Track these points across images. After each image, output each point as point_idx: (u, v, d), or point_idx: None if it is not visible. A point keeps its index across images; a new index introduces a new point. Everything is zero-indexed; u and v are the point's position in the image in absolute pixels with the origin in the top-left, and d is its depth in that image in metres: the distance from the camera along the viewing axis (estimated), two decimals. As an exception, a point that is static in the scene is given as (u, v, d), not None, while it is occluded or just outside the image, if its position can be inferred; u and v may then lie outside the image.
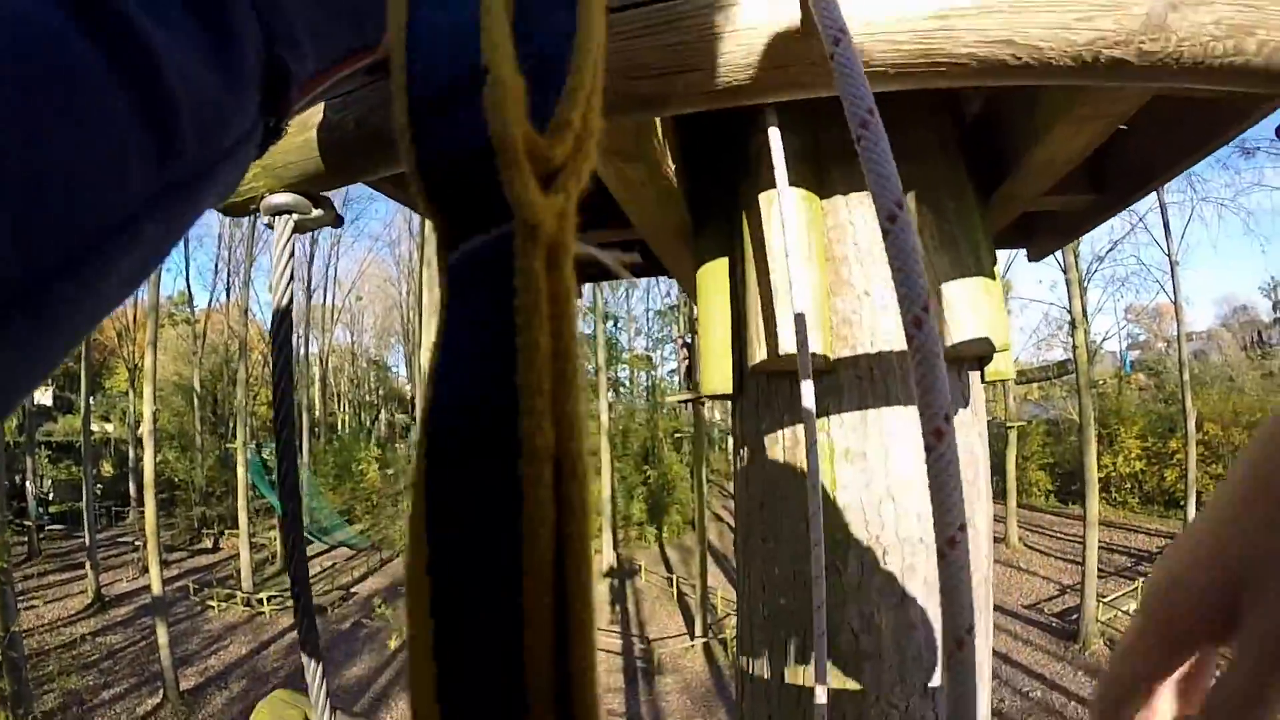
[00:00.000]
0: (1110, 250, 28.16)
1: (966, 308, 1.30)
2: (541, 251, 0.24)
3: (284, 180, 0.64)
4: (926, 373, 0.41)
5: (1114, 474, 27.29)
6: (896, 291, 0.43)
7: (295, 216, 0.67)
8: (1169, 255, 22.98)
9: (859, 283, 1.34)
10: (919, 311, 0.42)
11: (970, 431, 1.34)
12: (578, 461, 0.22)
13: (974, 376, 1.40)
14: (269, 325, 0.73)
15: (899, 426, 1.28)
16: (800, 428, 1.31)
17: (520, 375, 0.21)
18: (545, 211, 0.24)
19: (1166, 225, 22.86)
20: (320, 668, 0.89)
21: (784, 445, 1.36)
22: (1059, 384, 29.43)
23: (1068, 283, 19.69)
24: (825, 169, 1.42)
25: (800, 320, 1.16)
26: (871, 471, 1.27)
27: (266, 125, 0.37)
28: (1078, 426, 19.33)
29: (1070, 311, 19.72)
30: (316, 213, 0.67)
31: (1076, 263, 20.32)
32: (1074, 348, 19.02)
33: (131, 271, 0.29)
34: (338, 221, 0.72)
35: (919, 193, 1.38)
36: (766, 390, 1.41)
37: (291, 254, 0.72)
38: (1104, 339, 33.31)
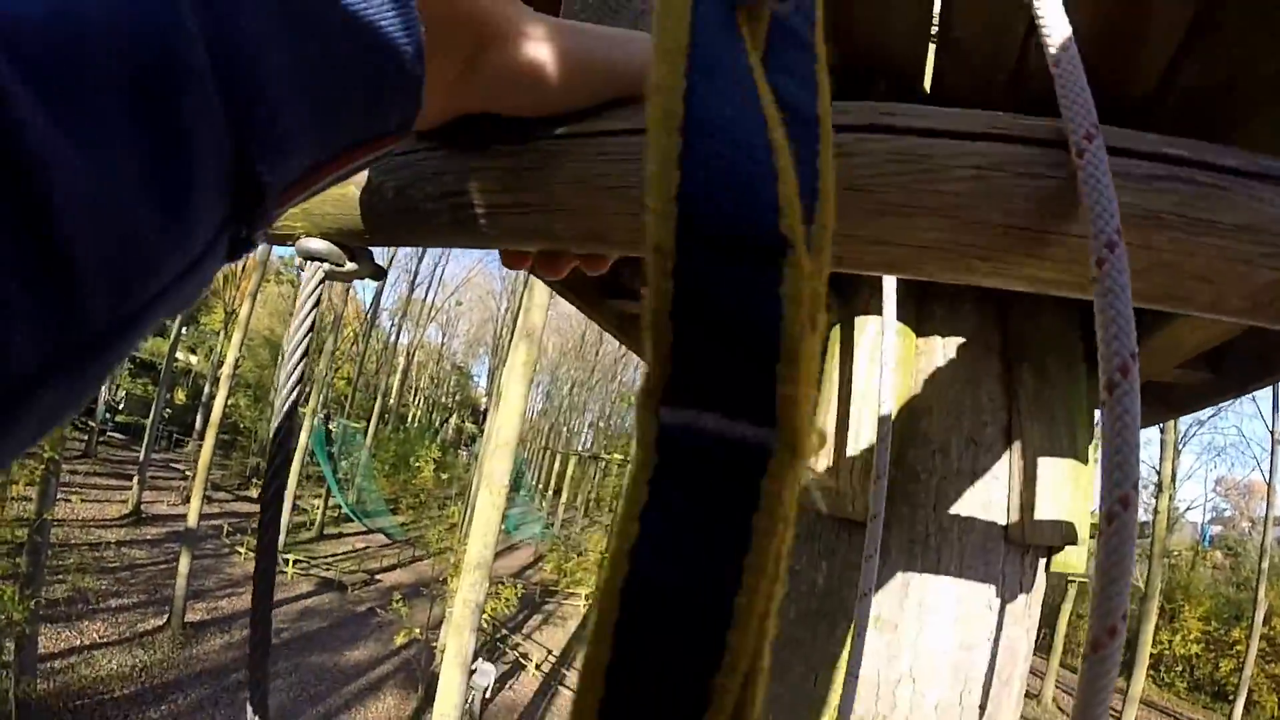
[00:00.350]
0: (1213, 416, 26.90)
1: (1050, 489, 1.18)
2: (795, 480, 0.21)
3: (321, 228, 0.59)
4: (1116, 564, 0.35)
5: (1167, 652, 25.69)
6: (1103, 464, 0.37)
7: (327, 266, 0.62)
8: (1272, 432, 21.79)
9: (937, 437, 1.23)
10: (1129, 489, 0.36)
11: (1019, 625, 1.20)
12: (763, 674, 0.21)
13: (1041, 564, 1.26)
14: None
15: (941, 602, 1.16)
16: (836, 578, 1.20)
17: (743, 596, 0.20)
18: (810, 443, 0.21)
19: (1276, 400, 21.72)
20: None
21: (815, 589, 1.25)
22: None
23: (1162, 444, 18.85)
24: (929, 305, 1.32)
25: (881, 458, 1.06)
26: (899, 645, 1.15)
27: (236, 236, 0.30)
28: (1141, 595, 18.33)
29: (1159, 473, 18.80)
30: (351, 266, 0.62)
31: (1175, 425, 19.41)
32: (1155, 512, 18.11)
33: (11, 452, 0.22)
34: (377, 275, 0.67)
35: (1021, 349, 1.28)
36: (813, 526, 1.30)
37: (317, 303, 0.67)
38: (1187, 508, 31.64)
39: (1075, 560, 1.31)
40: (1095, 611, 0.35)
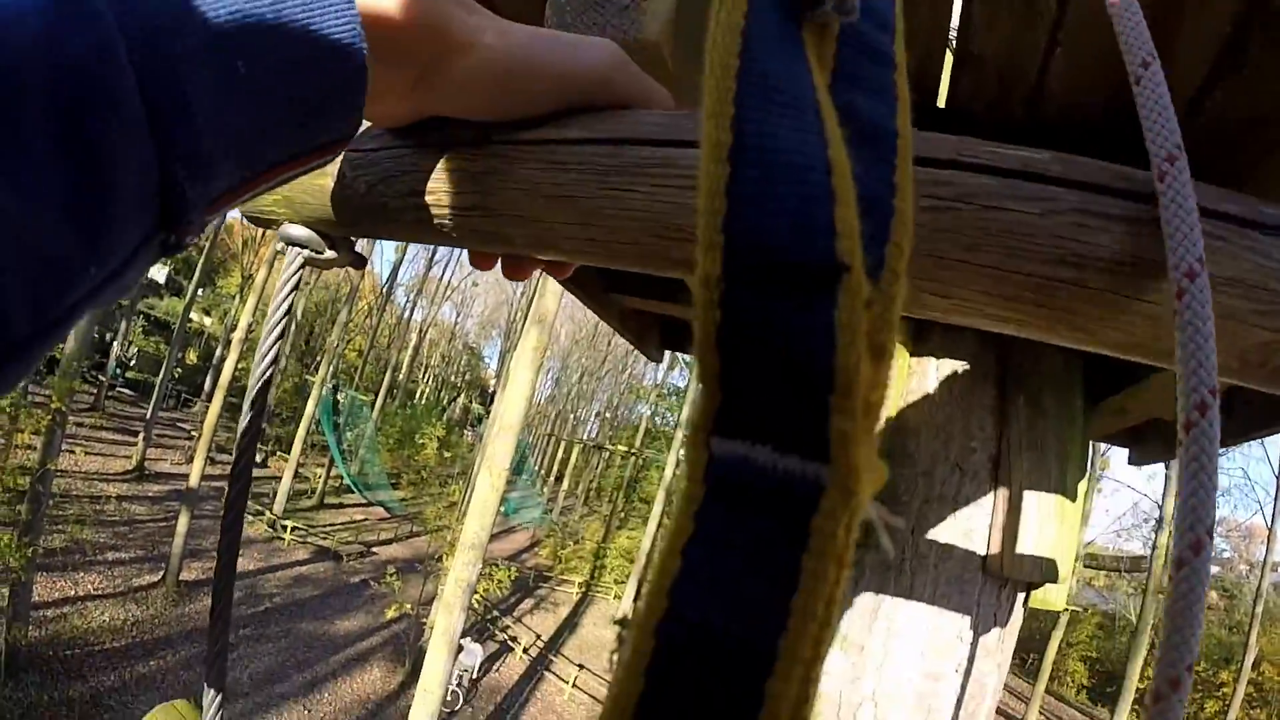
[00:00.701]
0: (1220, 456, 26.70)
1: (1034, 523, 1.17)
2: (849, 519, 0.19)
3: (301, 215, 0.59)
4: (1183, 612, 0.33)
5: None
6: (1176, 507, 0.36)
7: (307, 253, 0.62)
8: (1277, 476, 21.60)
9: (922, 460, 1.22)
10: (1202, 533, 0.34)
11: (991, 658, 1.19)
12: None
13: (1019, 598, 1.25)
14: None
15: (911, 628, 1.15)
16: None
17: (788, 641, 0.18)
18: (868, 482, 0.20)
19: (1285, 446, 21.49)
20: (220, 699, 0.84)
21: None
22: (1127, 578, 27.84)
23: (1166, 479, 18.69)
24: (928, 326, 1.31)
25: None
26: (864, 667, 1.14)
27: (165, 242, 0.31)
28: (1133, 629, 18.26)
29: (1161, 509, 18.70)
30: (330, 254, 0.62)
31: (1183, 461, 19.24)
32: (1153, 548, 18.03)
33: None
34: (357, 263, 0.67)
35: (1018, 380, 1.26)
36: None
37: (296, 286, 0.67)
38: (1188, 546, 31.54)
39: (1055, 598, 1.30)
40: (1160, 661, 0.33)
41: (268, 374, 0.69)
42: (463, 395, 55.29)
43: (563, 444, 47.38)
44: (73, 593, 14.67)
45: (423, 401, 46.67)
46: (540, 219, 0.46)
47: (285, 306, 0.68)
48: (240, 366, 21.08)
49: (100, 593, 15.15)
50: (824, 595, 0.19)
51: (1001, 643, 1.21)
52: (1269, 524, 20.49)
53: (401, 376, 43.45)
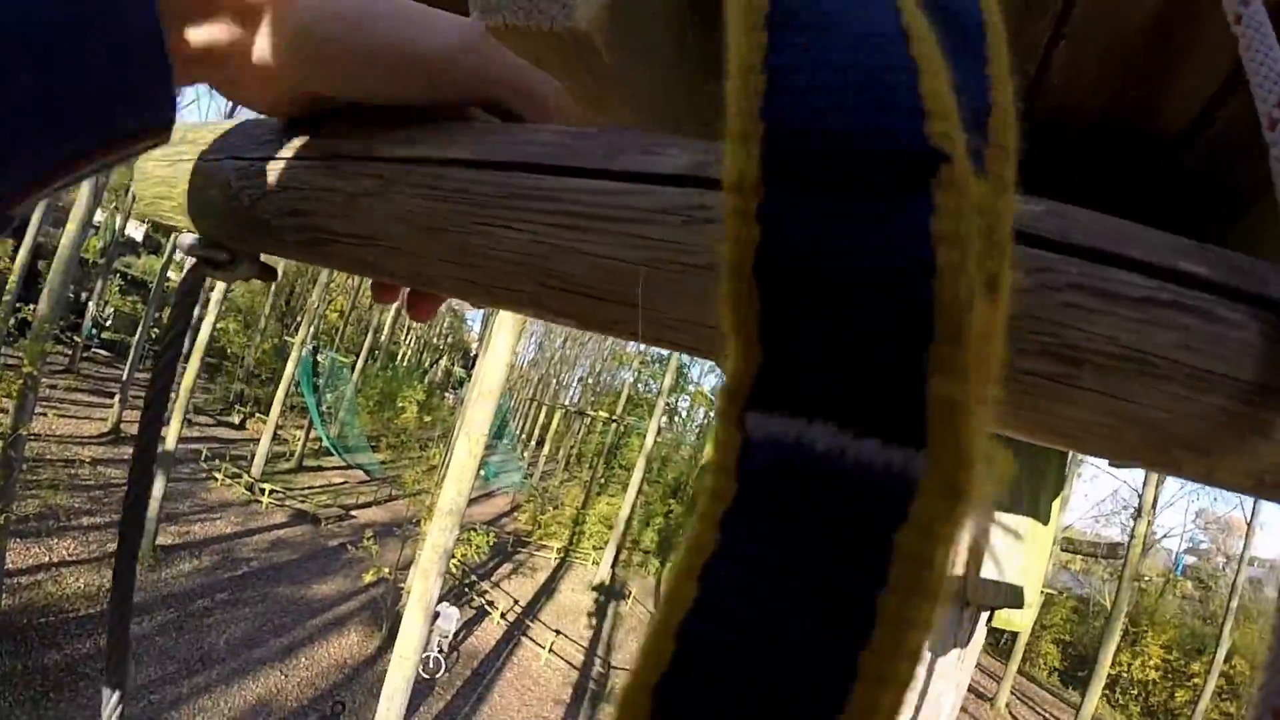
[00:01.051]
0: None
1: (1002, 549, 1.13)
2: (952, 532, 0.13)
3: (196, 225, 0.52)
4: None
5: (1125, 674, 26.00)
6: None
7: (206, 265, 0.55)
8: (1259, 472, 21.98)
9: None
10: None
11: (948, 679, 1.16)
12: None
13: (982, 619, 1.21)
14: None
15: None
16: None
17: (858, 695, 0.13)
18: (981, 473, 0.13)
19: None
20: (117, 697, 0.78)
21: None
22: (1103, 563, 28.27)
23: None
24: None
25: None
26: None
27: None
28: (1107, 615, 18.60)
29: (1140, 498, 18.97)
30: (231, 266, 0.55)
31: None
32: (1131, 536, 18.32)
33: None
34: (264, 276, 0.60)
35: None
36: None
37: (194, 301, 0.60)
38: (1164, 535, 32.02)
39: (1020, 620, 1.26)
40: (1264, 686, 0.25)
41: (161, 396, 0.62)
42: (445, 358, 55.23)
43: (544, 409, 47.54)
44: (47, 559, 14.49)
45: (404, 364, 46.55)
46: (416, 252, 0.39)
47: (184, 322, 0.61)
48: (219, 327, 20.84)
49: (75, 559, 14.98)
50: (909, 648, 0.13)
51: (961, 663, 1.18)
52: (1248, 519, 20.83)
53: (383, 338, 43.20)
